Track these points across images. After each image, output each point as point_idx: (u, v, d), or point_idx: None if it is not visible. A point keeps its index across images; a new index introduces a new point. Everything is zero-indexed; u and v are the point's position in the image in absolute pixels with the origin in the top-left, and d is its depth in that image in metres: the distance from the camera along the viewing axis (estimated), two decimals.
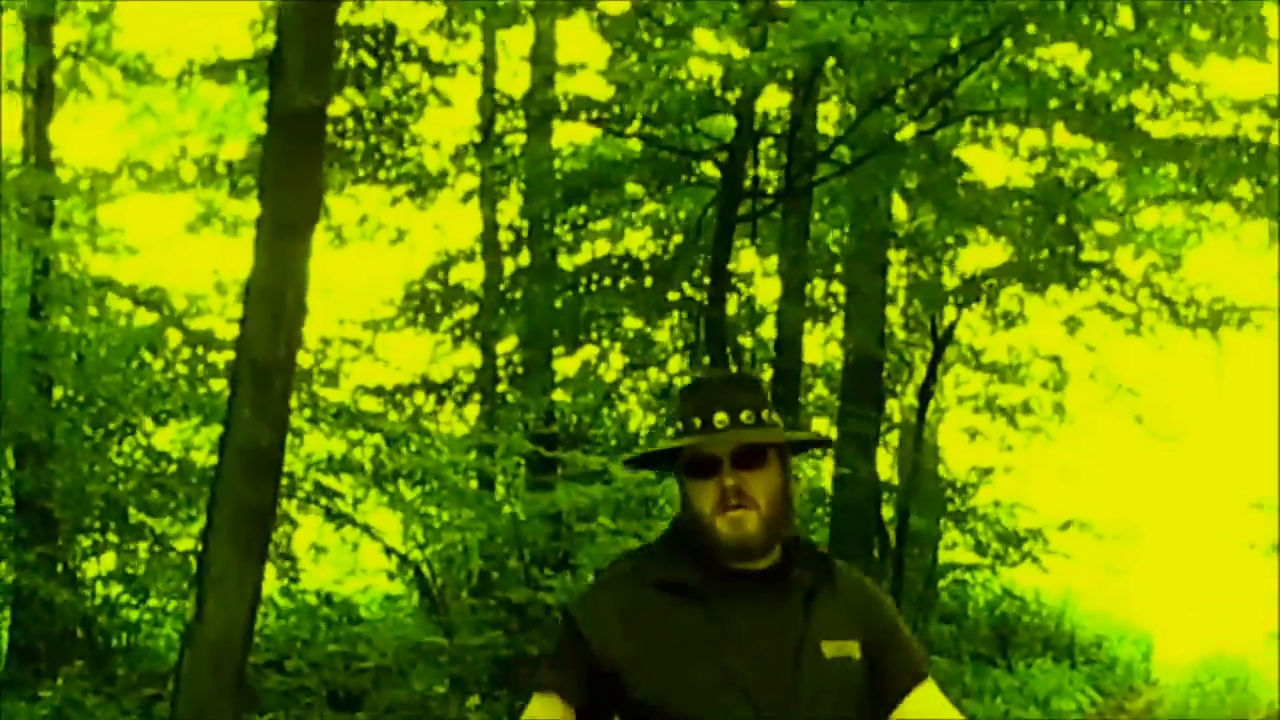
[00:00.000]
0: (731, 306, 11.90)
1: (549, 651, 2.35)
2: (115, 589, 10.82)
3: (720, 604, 2.12)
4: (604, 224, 12.98)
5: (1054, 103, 11.29)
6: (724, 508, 2.10)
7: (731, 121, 11.34)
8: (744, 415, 2.14)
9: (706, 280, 11.41)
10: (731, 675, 2.06)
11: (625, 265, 12.49)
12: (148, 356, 10.88)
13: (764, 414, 2.17)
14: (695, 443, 2.13)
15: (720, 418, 2.12)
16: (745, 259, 12.76)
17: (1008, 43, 10.78)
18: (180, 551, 10.64)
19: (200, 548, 6.73)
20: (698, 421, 2.14)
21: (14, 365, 9.75)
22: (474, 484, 11.06)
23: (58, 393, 10.46)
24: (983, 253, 12.95)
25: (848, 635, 2.18)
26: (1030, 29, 10.53)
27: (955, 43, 10.50)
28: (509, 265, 12.51)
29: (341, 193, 11.52)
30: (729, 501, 2.10)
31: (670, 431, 2.58)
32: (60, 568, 10.09)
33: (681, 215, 12.77)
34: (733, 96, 10.89)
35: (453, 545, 11.00)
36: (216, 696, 6.23)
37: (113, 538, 10.82)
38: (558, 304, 11.73)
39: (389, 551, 11.15)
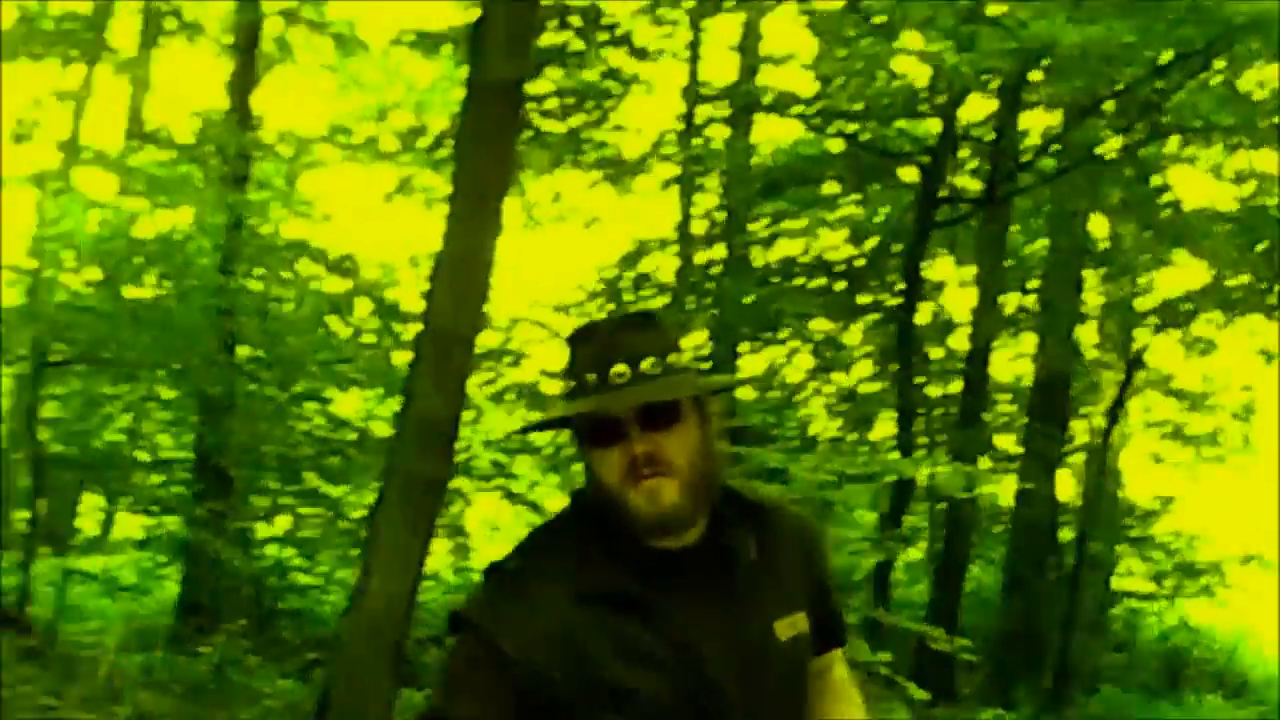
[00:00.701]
0: (924, 315, 11.61)
1: (444, 675, 1.85)
2: (287, 551, 10.71)
3: (658, 603, 1.73)
4: (799, 222, 12.75)
5: (1264, 124, 10.95)
6: (635, 478, 1.71)
7: (934, 125, 11.13)
8: (646, 364, 1.74)
9: (900, 286, 11.14)
10: (687, 689, 1.72)
11: (818, 266, 12.31)
12: (335, 323, 10.86)
13: (670, 358, 1.76)
14: (592, 406, 1.73)
15: (619, 370, 1.72)
16: (939, 267, 12.51)
17: (1219, 61, 10.49)
18: (353, 519, 10.54)
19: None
20: (592, 378, 1.74)
21: (201, 319, 9.59)
22: None
23: (242, 351, 10.29)
24: (1178, 275, 12.56)
25: (796, 606, 1.84)
26: (1242, 46, 10.24)
27: (1167, 55, 10.21)
28: (701, 257, 12.35)
29: (539, 174, 11.48)
30: (640, 471, 1.71)
31: (561, 389, 1.90)
32: (232, 525, 9.89)
33: (878, 219, 12.53)
34: (939, 99, 10.68)
35: None
36: (374, 667, 6.08)
37: (287, 500, 10.72)
38: (748, 300, 11.55)
39: None
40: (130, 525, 11.60)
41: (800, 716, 1.90)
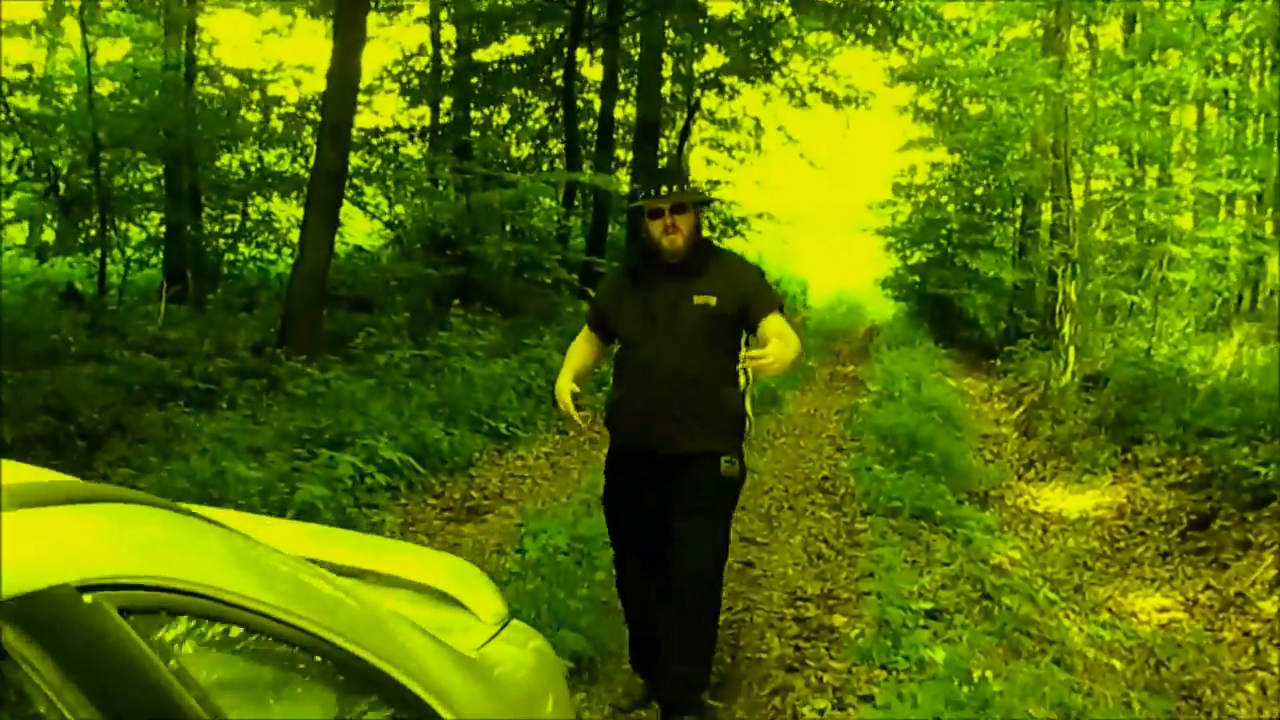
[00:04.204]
0: None
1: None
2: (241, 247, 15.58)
3: (651, 279, 4.33)
4: None
5: None
6: (665, 233, 4.24)
7: None
8: (675, 188, 4.30)
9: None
10: (648, 312, 4.27)
11: None
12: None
13: (685, 186, 4.45)
14: (653, 201, 4.28)
15: (664, 190, 4.28)
16: None
17: None
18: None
19: None
20: (654, 191, 4.33)
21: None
22: None
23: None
24: None
25: (712, 293, 4.20)
26: None
27: None
28: None
29: None
30: (667, 229, 4.23)
31: (640, 194, 4.81)
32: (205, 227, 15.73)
33: None
34: None
35: None
36: (311, 304, 10.41)
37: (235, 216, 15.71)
38: None
39: None
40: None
41: (697, 342, 4.21)
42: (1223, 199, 17.98)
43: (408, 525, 7.13)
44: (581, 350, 4.59)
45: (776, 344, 3.93)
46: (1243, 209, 19.10)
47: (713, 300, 4.21)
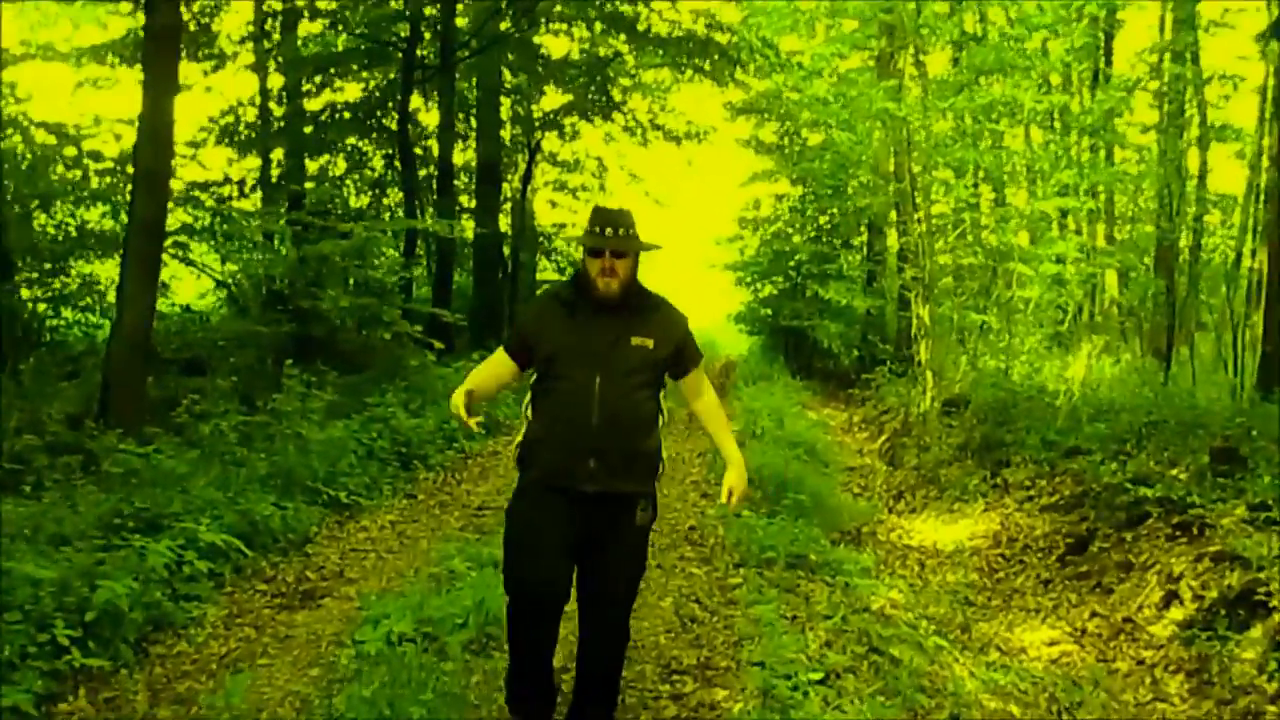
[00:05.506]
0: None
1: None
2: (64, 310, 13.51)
3: (588, 315, 4.18)
4: None
5: None
6: (603, 275, 4.14)
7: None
8: (621, 231, 4.11)
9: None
10: (585, 347, 4.13)
11: None
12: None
13: (631, 230, 4.14)
14: (596, 241, 4.11)
15: (610, 230, 4.10)
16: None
17: None
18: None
19: None
20: (599, 229, 4.11)
21: None
22: None
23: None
24: None
25: (648, 337, 4.20)
26: None
27: None
28: None
29: None
30: (606, 272, 4.13)
31: (585, 229, 4.24)
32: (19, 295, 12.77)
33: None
34: None
35: None
36: (132, 370, 9.19)
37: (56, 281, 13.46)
38: None
39: None
40: None
41: (633, 382, 4.16)
42: (1056, 214, 18.17)
43: (233, 617, 6.26)
44: (490, 370, 4.42)
45: (731, 478, 4.38)
46: (1074, 224, 19.34)
47: (650, 343, 4.22)
